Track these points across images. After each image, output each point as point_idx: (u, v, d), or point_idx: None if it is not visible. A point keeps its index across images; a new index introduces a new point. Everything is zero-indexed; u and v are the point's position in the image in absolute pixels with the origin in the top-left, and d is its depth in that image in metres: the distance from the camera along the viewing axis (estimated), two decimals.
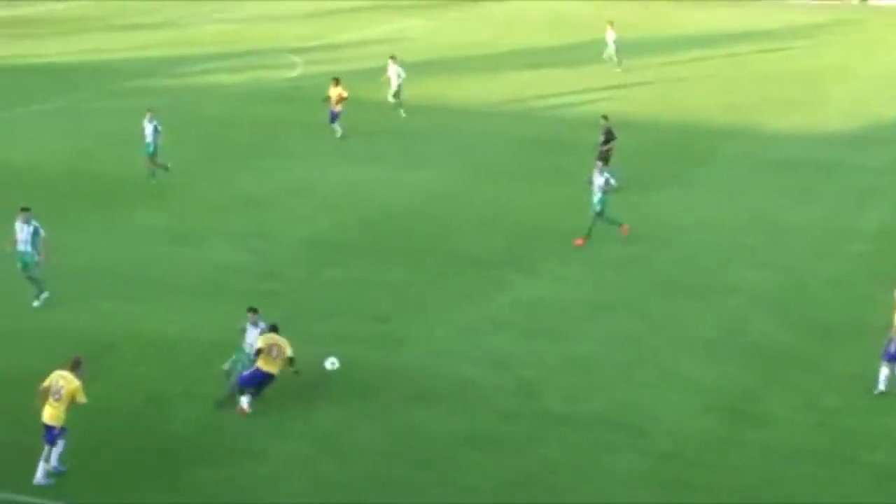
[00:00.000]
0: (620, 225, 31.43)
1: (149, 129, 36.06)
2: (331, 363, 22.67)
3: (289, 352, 22.05)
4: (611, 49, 55.12)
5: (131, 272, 29.20)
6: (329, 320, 26.26)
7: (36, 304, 26.92)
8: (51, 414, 19.55)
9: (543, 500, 19.67)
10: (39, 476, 19.54)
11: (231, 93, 49.40)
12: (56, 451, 19.65)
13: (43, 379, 19.82)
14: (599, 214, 31.19)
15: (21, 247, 26.62)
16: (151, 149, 36.09)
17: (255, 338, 22.35)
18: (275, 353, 22.03)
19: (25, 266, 26.78)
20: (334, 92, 41.35)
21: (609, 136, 36.43)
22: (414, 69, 54.44)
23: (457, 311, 27.00)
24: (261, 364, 22.02)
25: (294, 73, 53.60)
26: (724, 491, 19.95)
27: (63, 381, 19.61)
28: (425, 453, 20.90)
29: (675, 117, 45.83)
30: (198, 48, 59.82)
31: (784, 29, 67.51)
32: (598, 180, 31.16)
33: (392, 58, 45.80)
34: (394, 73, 45.27)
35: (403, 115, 44.63)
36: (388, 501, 19.58)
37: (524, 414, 22.33)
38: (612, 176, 31.51)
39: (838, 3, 79.28)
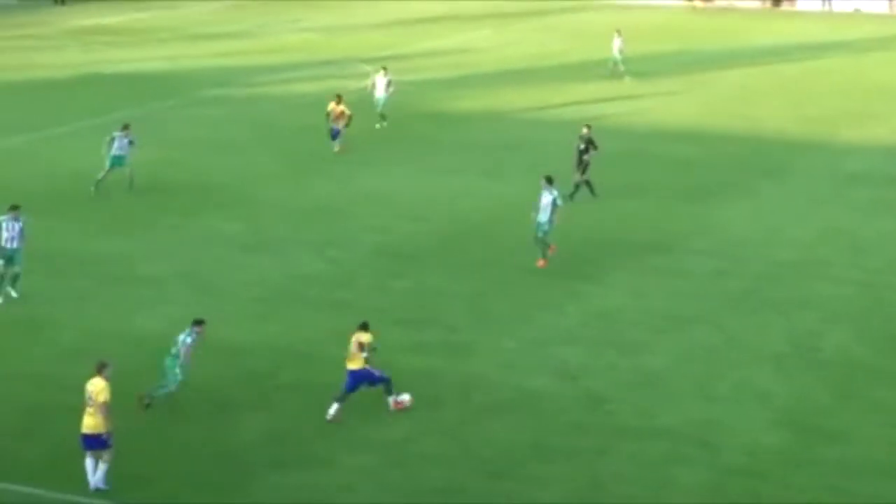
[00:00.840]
0: (545, 255, 30.25)
1: (124, 142, 35.85)
2: (408, 398, 22.86)
3: (364, 338, 22.34)
4: (616, 57, 54.66)
5: (206, 279, 29.52)
6: (400, 329, 26.33)
7: (13, 293, 27.72)
8: (88, 422, 19.63)
9: None
10: (99, 479, 19.66)
11: (306, 101, 49.76)
12: (101, 469, 19.69)
13: (111, 385, 19.99)
14: (545, 233, 30.11)
15: (8, 244, 27.43)
16: (124, 163, 35.91)
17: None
18: (354, 349, 22.41)
19: (10, 260, 27.61)
20: (337, 109, 40.86)
21: (589, 146, 35.95)
22: (486, 80, 54.76)
23: (527, 322, 26.99)
24: (348, 364, 22.42)
25: (367, 83, 53.88)
26: None
27: (91, 386, 19.70)
28: (494, 464, 20.87)
29: (749, 129, 45.47)
30: (274, 57, 60.44)
31: (861, 40, 66.80)
32: (545, 198, 29.99)
33: (384, 69, 45.49)
34: (382, 84, 44.77)
35: (378, 126, 44.26)
36: None
37: (594, 426, 22.25)
38: (560, 196, 30.34)
39: None
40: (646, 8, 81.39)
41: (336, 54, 60.90)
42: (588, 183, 35.78)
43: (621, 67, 54.67)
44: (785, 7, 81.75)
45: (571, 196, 34.90)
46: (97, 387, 19.60)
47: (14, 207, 27.84)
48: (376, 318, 26.87)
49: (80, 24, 71.72)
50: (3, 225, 27.59)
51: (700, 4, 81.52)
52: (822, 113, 48.22)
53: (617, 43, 54.88)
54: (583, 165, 35.69)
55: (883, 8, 78.51)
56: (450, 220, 34.29)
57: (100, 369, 19.89)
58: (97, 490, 19.61)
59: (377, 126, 44.21)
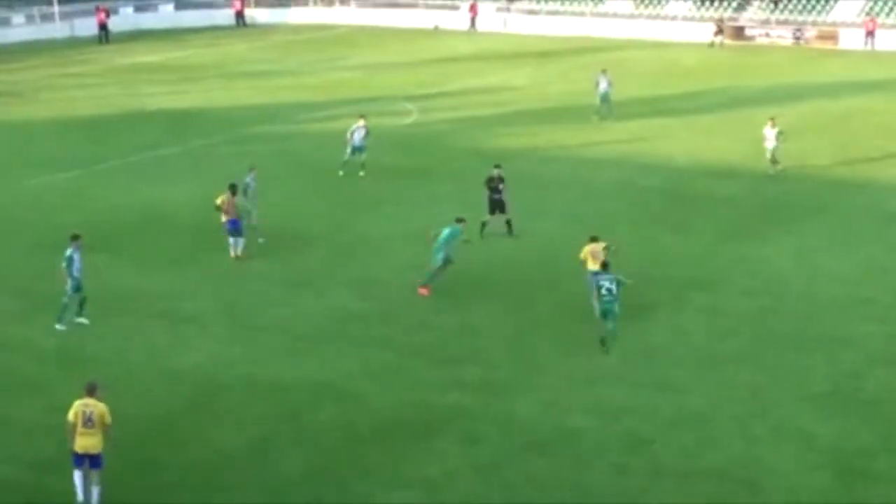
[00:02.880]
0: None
1: (253, 184, 36.07)
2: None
3: (601, 256, 29.17)
4: (605, 92, 53.95)
5: (248, 316, 29.61)
6: (439, 367, 26.32)
7: (60, 326, 28.56)
8: (89, 443, 20.05)
9: None
10: (96, 501, 20.06)
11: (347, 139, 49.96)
12: (97, 491, 20.07)
13: (150, 418, 20.06)
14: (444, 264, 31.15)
15: (78, 273, 28.44)
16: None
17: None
18: (600, 257, 28.84)
19: (79, 289, 28.56)
20: (231, 201, 34.01)
21: (501, 184, 36.11)
22: (525, 117, 54.83)
23: (569, 361, 26.87)
24: (589, 266, 29.23)
25: (409, 120, 54.09)
26: None
27: (88, 407, 20.10)
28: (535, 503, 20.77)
29: (790, 167, 45.20)
30: (316, 95, 60.77)
31: None
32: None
33: (363, 117, 44.30)
34: (360, 133, 43.51)
35: (361, 174, 43.30)
36: None
37: (636, 466, 22.09)
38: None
39: None
40: (686, 45, 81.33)
41: (378, 92, 61.18)
42: (509, 222, 36.17)
43: (602, 105, 54.09)
44: (828, 45, 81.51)
45: (509, 232, 36.04)
46: (99, 408, 20.07)
47: (76, 237, 28.65)
48: (417, 355, 27.00)
49: (123, 62, 72.50)
50: (74, 256, 28.34)
51: (719, 41, 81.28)
52: (865, 153, 47.86)
53: (603, 83, 54.42)
54: (501, 205, 35.98)
55: None
56: (490, 258, 34.23)
57: (92, 391, 20.34)
58: None
59: (360, 174, 43.39)
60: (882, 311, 30.19)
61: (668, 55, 76.52)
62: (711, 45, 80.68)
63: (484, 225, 36.12)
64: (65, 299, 28.51)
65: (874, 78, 66.77)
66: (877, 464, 22.25)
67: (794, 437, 23.25)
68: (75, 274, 28.37)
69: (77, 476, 20.16)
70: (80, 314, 28.80)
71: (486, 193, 36.20)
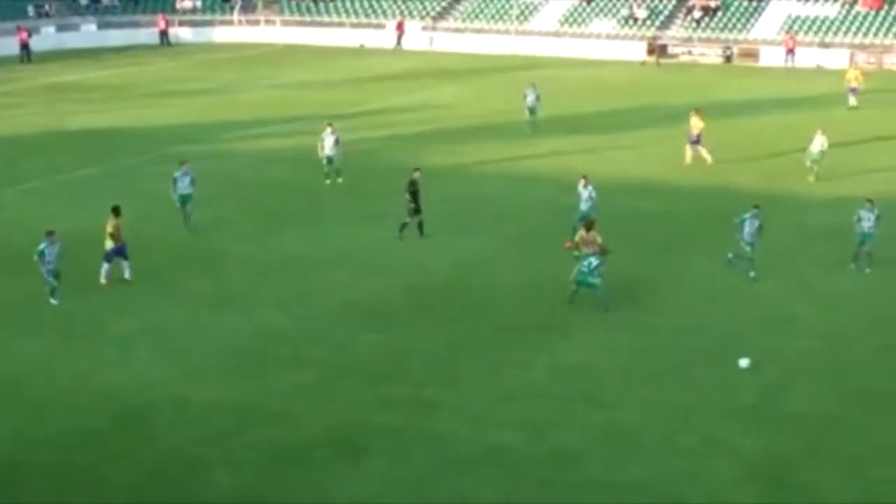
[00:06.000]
0: None
1: (186, 180, 38.34)
2: (745, 363, 27.19)
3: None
4: (533, 106, 56.26)
5: (174, 337, 29.36)
6: (366, 386, 26.25)
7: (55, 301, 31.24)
8: None
9: None
10: None
11: (275, 157, 49.89)
12: None
13: (76, 438, 19.82)
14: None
15: (50, 264, 31.26)
16: (191, 199, 38.41)
17: None
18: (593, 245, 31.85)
19: (56, 275, 31.37)
20: (113, 225, 33.40)
21: (418, 187, 38.01)
22: (452, 135, 55.06)
23: (494, 378, 26.94)
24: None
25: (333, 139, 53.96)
26: None
27: None
28: None
29: (713, 183, 45.74)
30: (243, 114, 60.56)
31: (824, 95, 67.47)
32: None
33: (330, 125, 45.36)
34: (330, 141, 44.43)
35: (339, 180, 44.69)
36: None
37: (563, 482, 22.16)
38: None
39: (879, 68, 79.55)
40: (612, 63, 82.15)
41: (303, 111, 61.09)
42: (421, 223, 37.96)
43: (531, 117, 56.17)
44: (749, 63, 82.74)
45: (400, 231, 37.72)
46: None
47: (50, 233, 31.26)
48: (343, 374, 26.91)
49: (46, 82, 71.76)
50: (46, 249, 31.03)
51: (651, 60, 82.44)
52: (786, 168, 48.59)
53: (531, 96, 56.26)
54: (416, 207, 37.66)
55: (843, 63, 79.43)
56: (417, 277, 34.27)
57: None
58: None
59: (338, 181, 44.25)
60: (808, 326, 30.58)
61: (593, 73, 77.29)
62: (643, 63, 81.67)
63: (404, 227, 37.69)
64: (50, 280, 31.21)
65: (794, 95, 67.87)
66: (804, 475, 22.51)
67: (719, 450, 23.47)
68: (48, 266, 30.97)
69: None
70: (52, 295, 31.35)
71: (405, 196, 37.68)
